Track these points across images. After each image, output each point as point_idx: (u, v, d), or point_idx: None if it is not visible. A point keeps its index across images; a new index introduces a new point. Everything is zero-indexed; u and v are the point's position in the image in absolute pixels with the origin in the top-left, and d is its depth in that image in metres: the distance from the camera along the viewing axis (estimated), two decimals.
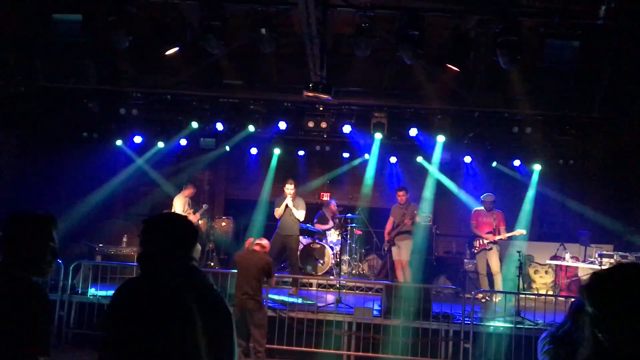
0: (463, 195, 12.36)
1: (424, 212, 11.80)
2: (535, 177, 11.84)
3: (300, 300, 8.71)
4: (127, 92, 10.66)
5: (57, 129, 12.03)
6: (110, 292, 3.49)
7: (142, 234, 2.40)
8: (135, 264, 10.28)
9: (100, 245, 10.82)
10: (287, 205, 9.78)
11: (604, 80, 9.08)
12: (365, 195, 13.01)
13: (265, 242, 7.37)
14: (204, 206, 11.18)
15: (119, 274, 9.01)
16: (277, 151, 12.71)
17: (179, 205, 10.54)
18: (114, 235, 11.58)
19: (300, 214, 9.85)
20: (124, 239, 11.21)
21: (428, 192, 13.01)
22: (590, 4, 7.23)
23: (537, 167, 11.61)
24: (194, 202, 11.08)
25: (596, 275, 1.89)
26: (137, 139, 11.92)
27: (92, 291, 8.63)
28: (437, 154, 11.65)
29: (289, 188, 9.85)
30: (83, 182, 12.13)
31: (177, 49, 7.76)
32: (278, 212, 9.87)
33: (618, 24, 7.51)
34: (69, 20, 6.92)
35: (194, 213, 10.70)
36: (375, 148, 12.04)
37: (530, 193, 11.87)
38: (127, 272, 9.84)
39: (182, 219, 2.56)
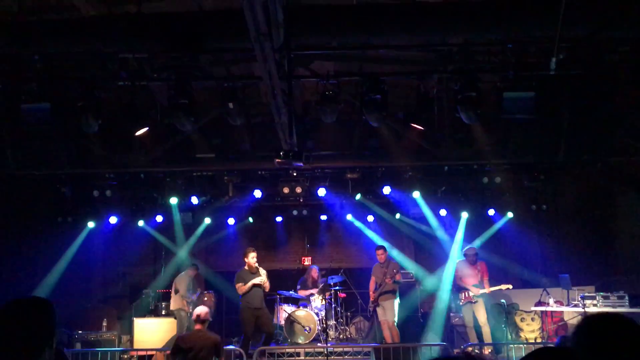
0: (443, 248, 12.39)
1: (406, 270, 11.77)
2: (499, 223, 12.07)
3: None
4: (99, 174, 10.66)
5: (30, 215, 11.87)
6: None
7: None
8: (118, 349, 10.13)
9: (80, 332, 10.47)
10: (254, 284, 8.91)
11: (565, 126, 9.40)
12: (346, 257, 12.96)
13: (203, 313, 6.58)
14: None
15: None
16: (250, 220, 12.96)
17: (183, 284, 10.80)
18: (93, 320, 11.24)
19: (267, 283, 9.05)
20: (104, 323, 10.90)
21: (408, 249, 13.06)
22: (542, 57, 7.62)
23: (509, 215, 11.83)
24: (197, 282, 11.56)
25: (584, 321, 2.14)
26: (113, 220, 11.81)
27: None
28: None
29: (254, 257, 8.97)
30: (59, 267, 11.84)
31: (147, 128, 7.86)
32: (243, 289, 8.86)
33: (569, 73, 7.89)
34: (38, 109, 6.97)
35: (193, 294, 11.16)
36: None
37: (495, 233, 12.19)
38: (108, 358, 9.54)
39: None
